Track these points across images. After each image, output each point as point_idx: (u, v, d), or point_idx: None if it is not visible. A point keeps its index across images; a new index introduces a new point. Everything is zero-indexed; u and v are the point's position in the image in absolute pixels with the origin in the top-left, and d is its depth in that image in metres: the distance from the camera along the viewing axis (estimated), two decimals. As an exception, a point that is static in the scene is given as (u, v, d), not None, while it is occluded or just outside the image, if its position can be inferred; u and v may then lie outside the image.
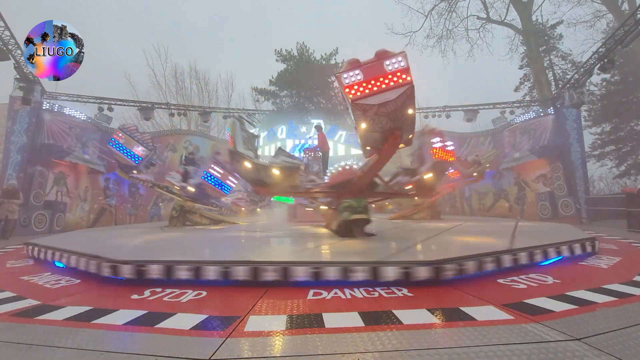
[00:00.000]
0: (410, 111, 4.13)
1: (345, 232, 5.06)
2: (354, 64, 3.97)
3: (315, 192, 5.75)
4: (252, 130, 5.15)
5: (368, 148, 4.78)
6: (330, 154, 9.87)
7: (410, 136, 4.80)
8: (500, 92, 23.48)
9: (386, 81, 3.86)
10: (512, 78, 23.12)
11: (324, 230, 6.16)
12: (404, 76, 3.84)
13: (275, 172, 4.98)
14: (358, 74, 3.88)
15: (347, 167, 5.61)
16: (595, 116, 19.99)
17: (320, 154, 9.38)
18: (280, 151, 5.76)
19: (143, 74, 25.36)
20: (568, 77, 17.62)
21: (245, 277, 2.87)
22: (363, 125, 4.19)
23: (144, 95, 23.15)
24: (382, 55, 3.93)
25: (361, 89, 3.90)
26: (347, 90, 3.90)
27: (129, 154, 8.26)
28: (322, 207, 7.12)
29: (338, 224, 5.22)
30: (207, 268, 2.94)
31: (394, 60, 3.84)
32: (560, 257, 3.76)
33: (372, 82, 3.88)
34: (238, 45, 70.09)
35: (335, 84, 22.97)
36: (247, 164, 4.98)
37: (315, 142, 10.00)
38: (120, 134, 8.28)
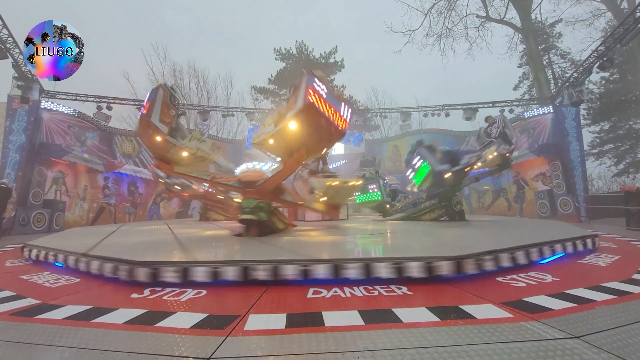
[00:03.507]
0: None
1: (243, 231, 5.14)
2: (326, 82, 4.32)
3: (221, 183, 5.71)
4: (176, 105, 4.92)
5: (279, 159, 5.08)
6: (333, 152, 9.86)
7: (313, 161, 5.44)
8: (499, 91, 23.51)
9: (332, 115, 4.23)
10: (512, 76, 23.14)
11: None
12: (342, 123, 4.40)
13: (184, 154, 4.97)
14: (325, 90, 4.14)
15: (258, 169, 5.68)
16: (594, 114, 20.01)
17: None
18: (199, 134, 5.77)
19: (142, 72, 25.31)
20: (567, 75, 17.64)
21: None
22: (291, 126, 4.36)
23: (143, 94, 23.06)
24: (343, 99, 4.45)
25: (317, 103, 4.11)
26: (310, 92, 3.98)
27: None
28: (235, 199, 7.11)
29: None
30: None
31: (348, 108, 4.38)
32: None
33: (326, 106, 4.18)
34: (237, 45, 69.99)
35: (335, 82, 23.08)
36: (158, 138, 4.71)
37: None
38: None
